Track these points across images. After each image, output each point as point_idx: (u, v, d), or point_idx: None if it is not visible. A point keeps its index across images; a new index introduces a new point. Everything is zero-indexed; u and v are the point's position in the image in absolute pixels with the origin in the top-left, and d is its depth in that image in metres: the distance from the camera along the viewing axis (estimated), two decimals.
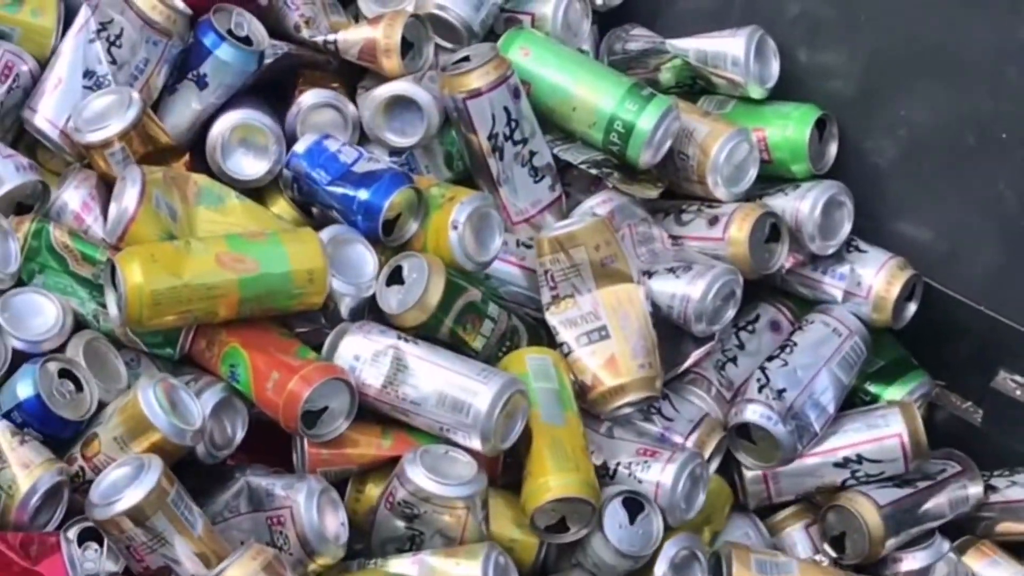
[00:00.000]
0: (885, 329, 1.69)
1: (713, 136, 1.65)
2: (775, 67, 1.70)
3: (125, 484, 1.35)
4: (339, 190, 1.55)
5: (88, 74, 1.54)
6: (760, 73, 1.69)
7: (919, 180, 1.68)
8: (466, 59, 1.59)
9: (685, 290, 1.58)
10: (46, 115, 1.54)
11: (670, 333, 1.60)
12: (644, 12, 1.79)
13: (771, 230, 1.64)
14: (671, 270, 1.59)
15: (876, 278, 1.65)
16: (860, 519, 1.60)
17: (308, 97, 1.61)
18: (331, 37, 1.62)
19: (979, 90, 1.61)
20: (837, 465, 1.63)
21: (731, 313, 1.61)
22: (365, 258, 1.54)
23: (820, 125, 1.68)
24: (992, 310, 1.65)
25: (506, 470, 1.52)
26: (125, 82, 1.54)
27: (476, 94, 1.57)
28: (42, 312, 1.47)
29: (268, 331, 1.49)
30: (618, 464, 1.54)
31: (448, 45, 1.67)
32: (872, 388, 1.70)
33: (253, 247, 1.48)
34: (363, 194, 1.53)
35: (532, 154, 1.62)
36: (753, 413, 1.59)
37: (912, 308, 1.68)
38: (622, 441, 1.55)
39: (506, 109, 1.59)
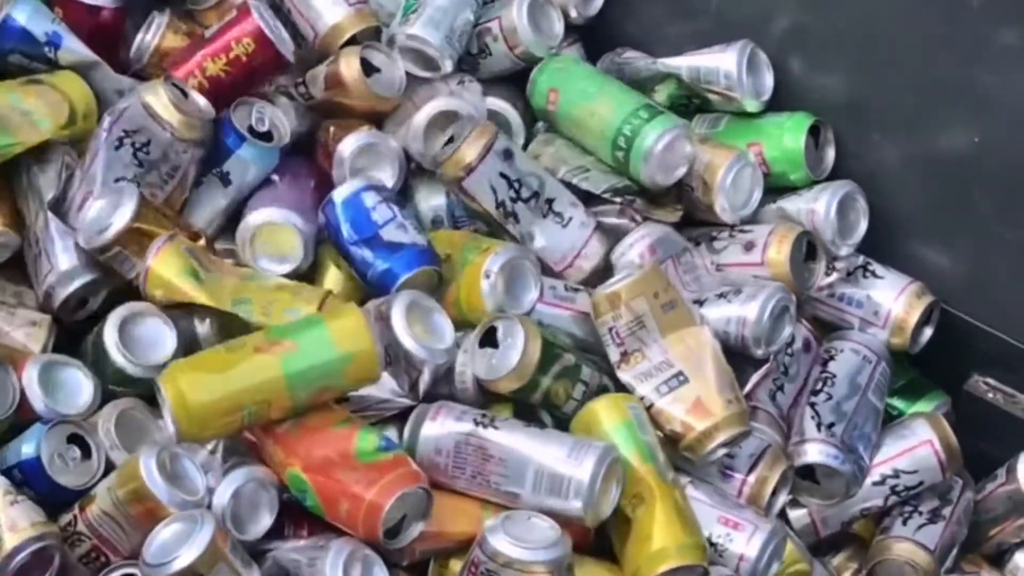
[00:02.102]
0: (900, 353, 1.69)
1: (715, 164, 1.64)
2: (768, 79, 1.69)
3: (179, 542, 1.32)
4: (360, 253, 1.54)
5: (118, 181, 1.53)
6: (754, 86, 1.68)
7: (907, 183, 1.69)
8: (451, 140, 1.59)
9: (739, 312, 1.57)
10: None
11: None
12: (631, 35, 1.78)
13: (808, 248, 1.63)
14: (721, 295, 1.58)
15: (895, 304, 1.65)
16: (917, 569, 1.59)
17: (348, 143, 1.61)
18: (298, 80, 1.64)
19: (961, 94, 1.62)
20: (876, 484, 1.61)
21: (788, 330, 1.59)
22: (443, 325, 1.50)
23: (815, 132, 1.67)
24: (965, 313, 1.66)
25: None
26: (155, 184, 1.54)
27: (470, 170, 1.57)
28: (80, 390, 1.47)
29: (324, 432, 1.42)
30: None
31: (426, 75, 1.67)
32: (899, 404, 1.71)
33: (291, 331, 1.43)
34: (381, 264, 1.53)
35: (550, 202, 1.60)
36: (820, 453, 1.57)
37: (928, 332, 1.67)
38: (702, 505, 1.51)
39: (502, 175, 1.58)
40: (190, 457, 1.40)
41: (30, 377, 1.44)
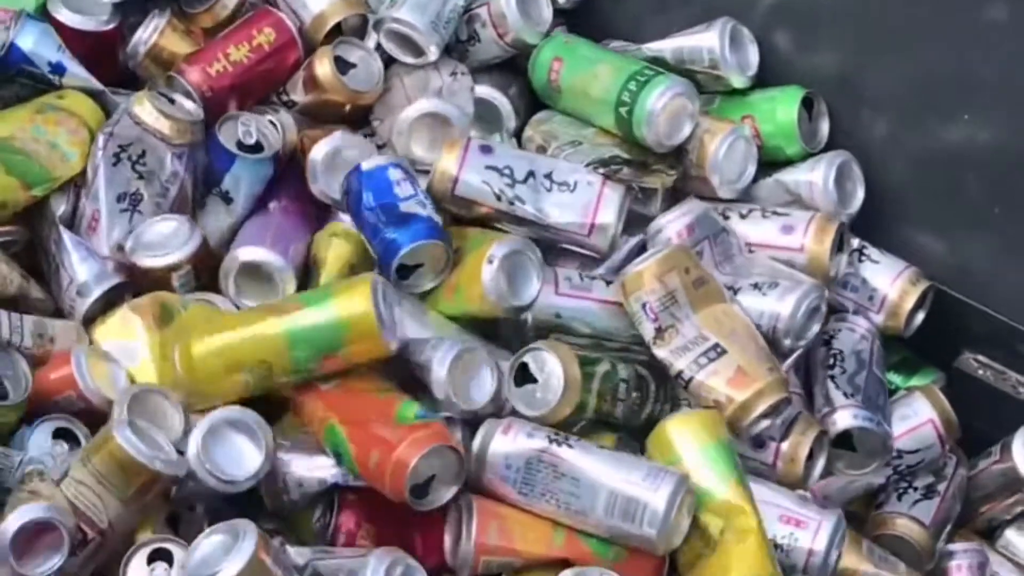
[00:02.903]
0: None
1: (710, 135, 1.63)
2: (753, 54, 1.70)
3: (221, 555, 1.30)
4: (374, 219, 1.54)
5: (122, 197, 1.55)
6: (738, 61, 1.68)
7: (897, 162, 1.69)
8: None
9: (774, 307, 1.55)
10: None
11: None
12: (619, 23, 1.76)
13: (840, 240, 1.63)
14: (756, 286, 1.56)
15: (891, 289, 1.64)
16: (912, 543, 1.60)
17: (319, 149, 1.60)
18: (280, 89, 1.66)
19: (951, 73, 1.62)
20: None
21: (816, 328, 1.57)
22: (486, 379, 1.49)
23: (808, 105, 1.67)
24: (955, 291, 1.67)
25: None
26: (157, 193, 1.56)
27: (455, 180, 1.58)
28: (117, 376, 1.48)
29: (366, 395, 1.44)
30: None
31: (412, 61, 1.66)
32: (896, 379, 1.71)
33: (301, 296, 1.50)
34: (391, 232, 1.52)
35: (548, 175, 1.59)
36: (854, 417, 1.56)
37: (921, 316, 1.66)
38: (762, 504, 1.46)
39: (489, 167, 1.58)
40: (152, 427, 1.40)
41: (78, 359, 1.45)
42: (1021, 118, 1.59)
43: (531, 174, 1.58)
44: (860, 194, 1.67)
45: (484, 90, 1.69)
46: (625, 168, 1.60)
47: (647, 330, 1.50)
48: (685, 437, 1.44)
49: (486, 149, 1.59)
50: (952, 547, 1.63)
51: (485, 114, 1.69)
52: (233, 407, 1.41)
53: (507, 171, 1.58)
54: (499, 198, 1.57)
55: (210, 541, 1.31)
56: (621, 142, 1.64)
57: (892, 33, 1.63)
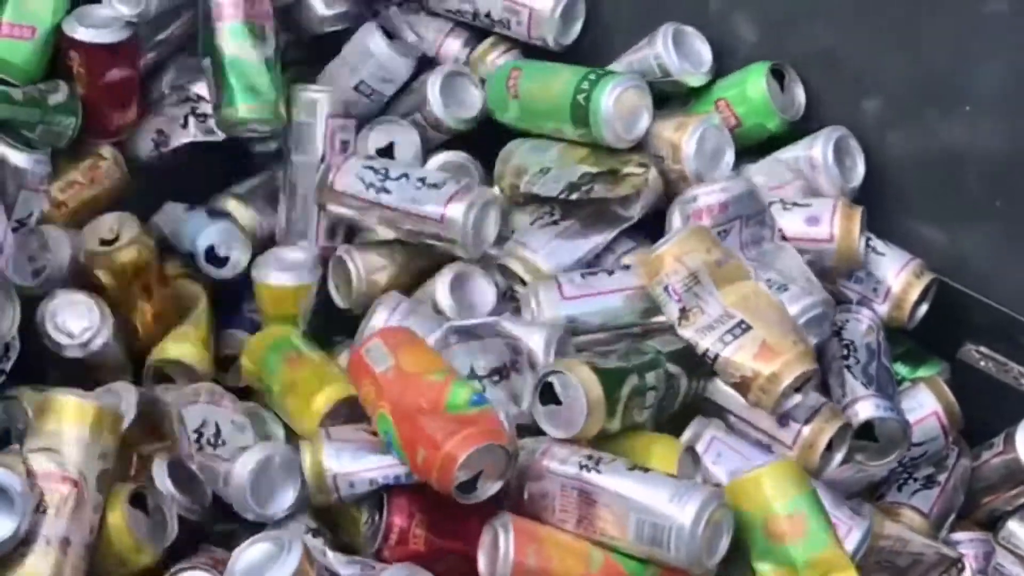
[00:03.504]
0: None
1: (680, 132, 1.64)
2: (703, 50, 1.70)
3: (264, 566, 1.30)
4: None
5: None
6: (688, 61, 1.69)
7: (896, 153, 1.69)
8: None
9: None
10: None
11: None
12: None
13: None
14: (768, 282, 1.54)
15: (895, 281, 1.64)
16: (913, 531, 1.59)
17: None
18: None
19: (951, 63, 1.63)
20: None
21: (815, 341, 1.54)
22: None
23: (780, 78, 1.68)
24: (957, 282, 1.67)
25: None
26: None
27: (336, 173, 1.65)
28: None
29: (417, 380, 1.42)
30: None
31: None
32: (902, 370, 1.70)
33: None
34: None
35: (422, 179, 1.63)
36: (876, 407, 1.55)
37: (924, 308, 1.66)
38: None
39: (367, 167, 1.64)
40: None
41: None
42: (1022, 111, 1.61)
43: (405, 175, 1.63)
44: (860, 168, 1.66)
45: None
46: (595, 185, 1.61)
47: (671, 311, 1.49)
48: (775, 488, 1.41)
49: (371, 157, 1.67)
50: (958, 536, 1.63)
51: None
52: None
53: (384, 170, 1.63)
54: (368, 187, 1.62)
55: (254, 550, 1.31)
56: (586, 155, 1.65)
57: (893, 24, 1.64)
